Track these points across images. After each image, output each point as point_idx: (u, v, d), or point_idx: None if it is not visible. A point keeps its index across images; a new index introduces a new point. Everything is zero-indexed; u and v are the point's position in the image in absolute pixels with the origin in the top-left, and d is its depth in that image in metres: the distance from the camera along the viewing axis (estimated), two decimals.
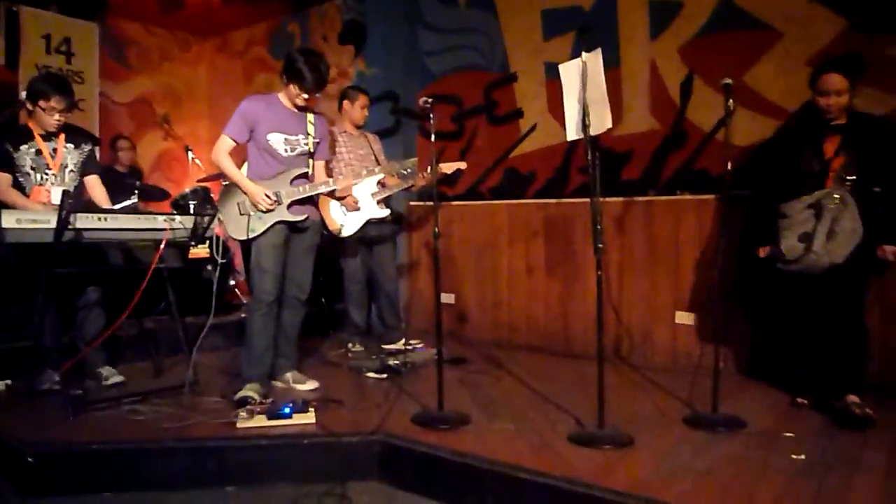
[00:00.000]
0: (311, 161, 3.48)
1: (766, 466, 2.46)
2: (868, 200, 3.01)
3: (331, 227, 4.29)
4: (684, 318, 4.23)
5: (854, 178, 3.03)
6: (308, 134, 3.44)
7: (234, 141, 3.36)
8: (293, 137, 3.41)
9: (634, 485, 2.27)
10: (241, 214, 3.37)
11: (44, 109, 3.38)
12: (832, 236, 2.97)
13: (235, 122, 3.35)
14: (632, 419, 2.97)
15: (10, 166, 3.36)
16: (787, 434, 2.80)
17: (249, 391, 3.27)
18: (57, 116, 3.42)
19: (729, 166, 2.91)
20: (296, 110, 3.43)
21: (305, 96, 3.32)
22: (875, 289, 3.31)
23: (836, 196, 2.99)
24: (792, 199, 3.13)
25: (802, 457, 2.54)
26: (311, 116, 3.47)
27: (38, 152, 3.43)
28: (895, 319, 3.50)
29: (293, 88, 3.31)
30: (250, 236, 3.35)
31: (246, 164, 3.49)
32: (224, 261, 3.53)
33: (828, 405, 3.09)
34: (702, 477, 2.37)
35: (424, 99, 3.11)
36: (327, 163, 3.70)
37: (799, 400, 3.25)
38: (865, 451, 2.62)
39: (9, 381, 3.52)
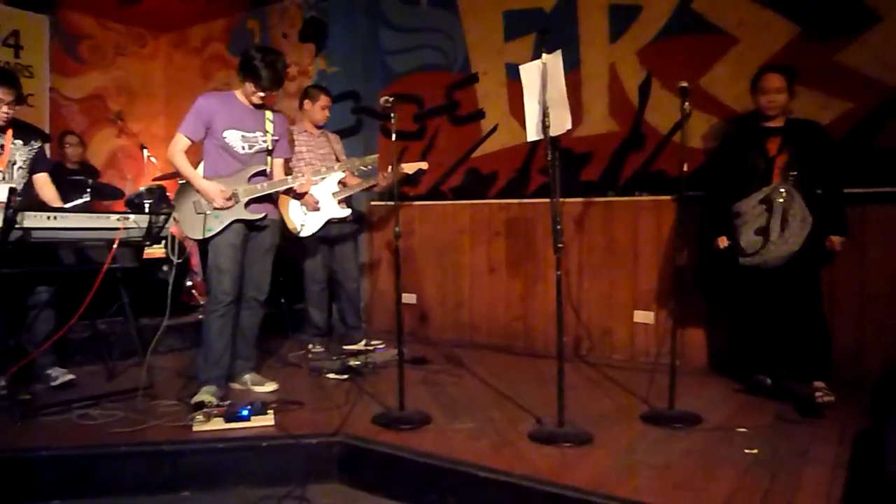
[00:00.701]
0: (269, 159, 3.43)
1: (720, 460, 2.51)
2: (811, 194, 3.27)
3: (290, 227, 4.24)
4: (642, 316, 4.31)
5: (796, 173, 3.27)
6: (266, 131, 3.40)
7: (190, 139, 3.30)
8: (251, 134, 3.36)
9: (593, 481, 2.30)
10: (196, 213, 3.30)
11: None
12: (785, 226, 3.19)
13: (190, 120, 3.29)
14: (591, 417, 3.01)
15: None
16: (741, 429, 2.86)
17: (205, 395, 3.21)
18: (5, 109, 3.30)
19: (685, 168, 2.98)
20: (253, 108, 3.38)
21: (262, 94, 3.29)
22: (824, 280, 3.49)
23: (782, 190, 3.23)
24: (743, 197, 3.35)
25: (755, 451, 2.60)
26: (269, 114, 3.43)
27: None
28: (841, 310, 3.63)
29: (249, 86, 3.27)
30: (206, 235, 3.29)
31: (202, 163, 3.41)
32: (180, 261, 3.45)
33: (789, 392, 3.26)
34: (659, 472, 2.41)
35: (385, 98, 3.09)
36: (286, 161, 3.65)
37: (759, 378, 3.44)
38: (815, 444, 2.69)
39: None
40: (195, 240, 3.34)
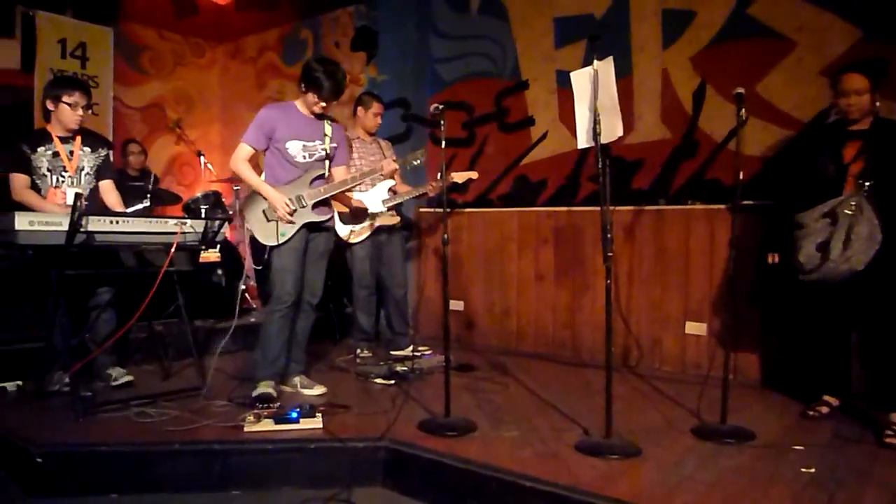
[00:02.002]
0: (327, 164, 3.51)
1: (773, 479, 2.43)
2: (888, 206, 2.93)
3: (340, 233, 4.30)
4: (694, 328, 4.21)
5: (871, 183, 2.95)
6: (326, 135, 3.48)
7: (253, 148, 3.41)
8: (311, 144, 3.45)
9: (639, 495, 2.26)
10: (268, 221, 3.40)
11: (69, 105, 3.42)
12: (848, 244, 2.90)
13: (254, 130, 3.40)
14: (639, 429, 2.95)
15: (28, 168, 3.39)
16: (797, 447, 2.76)
17: (266, 388, 3.35)
18: (80, 112, 3.46)
19: (741, 176, 2.89)
20: (312, 117, 3.47)
21: (323, 104, 3.37)
22: None
23: (852, 203, 2.94)
24: (809, 207, 3.08)
25: (812, 470, 2.51)
26: (327, 123, 3.51)
27: (56, 154, 3.46)
28: None
29: (311, 97, 3.36)
30: (281, 241, 3.38)
31: (263, 173, 3.52)
32: (253, 273, 3.54)
33: (866, 416, 3.09)
34: (707, 488, 2.34)
35: (435, 106, 3.12)
36: (346, 168, 3.72)
37: (812, 412, 3.22)
38: (876, 465, 2.58)
39: (19, 382, 3.55)
40: (270, 246, 3.42)
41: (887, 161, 2.97)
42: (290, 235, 3.39)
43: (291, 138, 3.41)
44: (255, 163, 3.52)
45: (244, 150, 3.41)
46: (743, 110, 2.87)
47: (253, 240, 3.44)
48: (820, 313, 3.23)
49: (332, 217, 3.57)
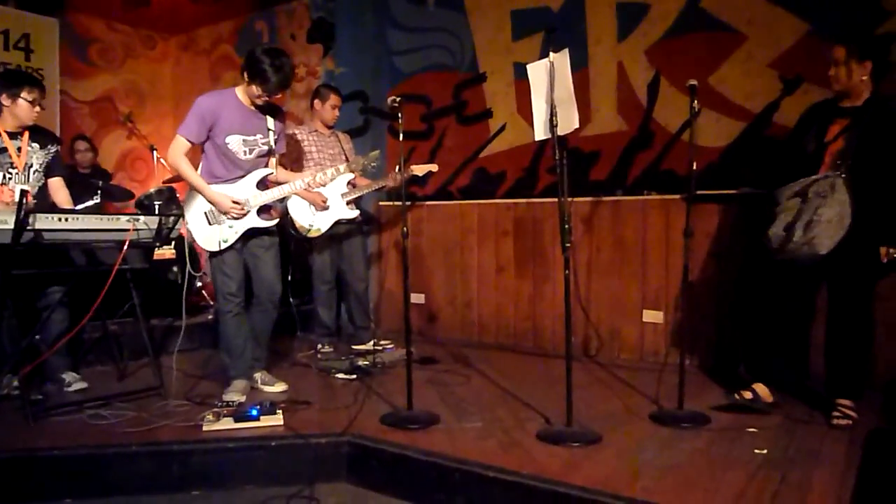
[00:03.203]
0: (272, 160, 3.41)
1: (729, 461, 2.50)
2: (864, 188, 2.82)
3: (299, 227, 4.26)
4: (652, 316, 4.29)
5: (849, 163, 2.84)
6: (269, 129, 3.33)
7: (191, 142, 3.23)
8: (251, 138, 3.30)
9: (601, 481, 2.29)
10: (210, 225, 3.30)
11: (29, 101, 3.32)
12: (810, 226, 2.82)
13: (192, 122, 3.20)
14: (599, 417, 3.01)
15: None
16: (751, 429, 2.85)
17: (237, 395, 3.29)
18: (37, 109, 3.35)
19: (695, 166, 2.95)
20: (254, 109, 3.30)
21: (267, 97, 3.22)
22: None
23: (824, 183, 2.83)
24: (786, 183, 3.00)
25: (765, 451, 2.59)
26: (269, 116, 3.35)
27: (3, 150, 3.34)
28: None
29: (255, 88, 3.16)
30: (222, 247, 3.29)
31: (200, 165, 3.37)
32: (200, 274, 3.46)
33: (815, 399, 3.13)
34: (666, 472, 2.40)
35: (393, 98, 3.10)
36: (281, 156, 3.58)
37: (739, 395, 3.12)
38: (825, 444, 2.68)
39: None
40: (210, 252, 3.34)
41: (872, 141, 2.85)
42: (231, 242, 3.29)
43: (231, 132, 3.23)
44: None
45: (182, 144, 3.20)
46: (696, 102, 2.93)
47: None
48: (781, 298, 3.12)
49: (276, 222, 3.43)
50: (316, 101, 4.44)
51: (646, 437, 2.78)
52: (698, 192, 3.02)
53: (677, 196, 4.15)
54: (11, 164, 3.36)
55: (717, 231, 4.00)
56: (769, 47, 3.94)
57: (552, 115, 2.83)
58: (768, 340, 3.20)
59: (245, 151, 3.30)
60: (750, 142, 4.02)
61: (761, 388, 3.14)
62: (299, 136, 4.32)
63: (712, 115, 4.10)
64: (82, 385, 3.53)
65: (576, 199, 4.44)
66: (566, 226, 2.79)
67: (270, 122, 3.36)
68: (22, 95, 3.31)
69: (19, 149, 3.40)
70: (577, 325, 4.38)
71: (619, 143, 4.53)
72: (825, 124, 3.02)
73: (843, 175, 2.83)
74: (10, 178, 3.35)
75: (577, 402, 2.84)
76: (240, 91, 3.28)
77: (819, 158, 2.97)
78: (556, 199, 2.94)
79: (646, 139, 4.44)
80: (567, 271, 2.82)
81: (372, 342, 4.55)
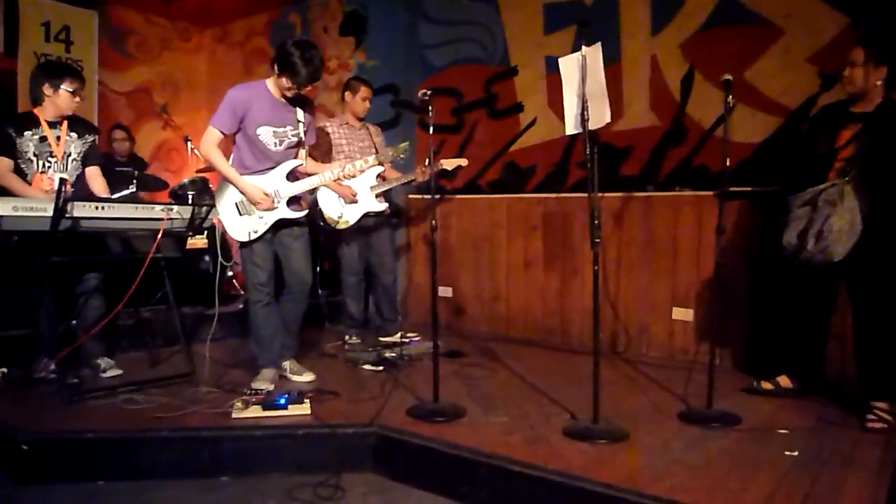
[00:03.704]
0: (302, 152, 3.43)
1: (758, 462, 2.46)
2: (877, 193, 2.83)
3: (328, 219, 4.29)
4: (681, 313, 4.24)
5: (855, 171, 2.85)
6: (299, 121, 3.36)
7: (223, 133, 3.27)
8: (280, 129, 3.32)
9: (627, 479, 2.28)
10: (240, 215, 3.35)
11: (71, 92, 3.40)
12: (821, 237, 2.84)
13: (224, 113, 3.24)
14: (627, 414, 2.98)
15: (12, 152, 3.34)
16: (782, 430, 2.80)
17: (263, 383, 3.34)
18: (77, 100, 3.43)
19: (728, 163, 2.90)
20: (284, 101, 3.33)
21: (297, 90, 3.25)
22: None
23: (832, 191, 2.86)
24: (798, 190, 3.00)
25: (796, 453, 2.54)
26: (299, 108, 3.38)
27: (43, 139, 3.41)
28: None
29: (285, 81, 3.19)
30: (252, 238, 3.34)
31: (232, 155, 3.42)
32: (229, 263, 3.50)
33: (849, 400, 3.12)
34: (694, 472, 2.37)
35: (423, 91, 3.10)
36: (311, 148, 3.62)
37: (756, 384, 3.32)
38: (859, 447, 2.62)
39: (5, 370, 3.51)
40: (241, 242, 3.39)
41: (882, 147, 2.84)
42: (261, 233, 3.34)
43: (262, 124, 3.26)
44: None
45: (214, 135, 3.24)
46: (731, 97, 2.87)
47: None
48: (801, 297, 3.19)
49: (306, 213, 3.46)
50: (347, 94, 4.46)
51: (673, 436, 2.75)
52: (731, 189, 2.96)
53: (710, 192, 4.09)
54: (51, 152, 3.43)
55: (750, 229, 3.93)
56: (808, 41, 3.85)
57: (584, 109, 2.80)
58: (788, 334, 3.28)
59: (275, 143, 3.33)
60: (786, 138, 3.94)
61: (784, 380, 3.22)
62: (330, 129, 4.35)
63: (748, 110, 4.02)
64: (117, 371, 3.61)
65: (606, 195, 4.40)
66: (596, 221, 2.77)
67: (300, 113, 3.38)
68: (63, 86, 3.38)
69: (58, 138, 3.48)
70: (606, 321, 4.34)
71: (652, 138, 4.47)
72: (837, 128, 3.03)
73: (853, 182, 2.84)
74: (49, 167, 3.43)
75: (605, 399, 2.81)
76: (270, 83, 3.32)
77: (830, 162, 2.99)
78: (585, 195, 2.93)
79: (679, 134, 4.37)
80: (596, 267, 2.80)
81: (399, 334, 4.57)
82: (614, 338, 4.46)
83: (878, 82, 2.93)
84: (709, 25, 4.23)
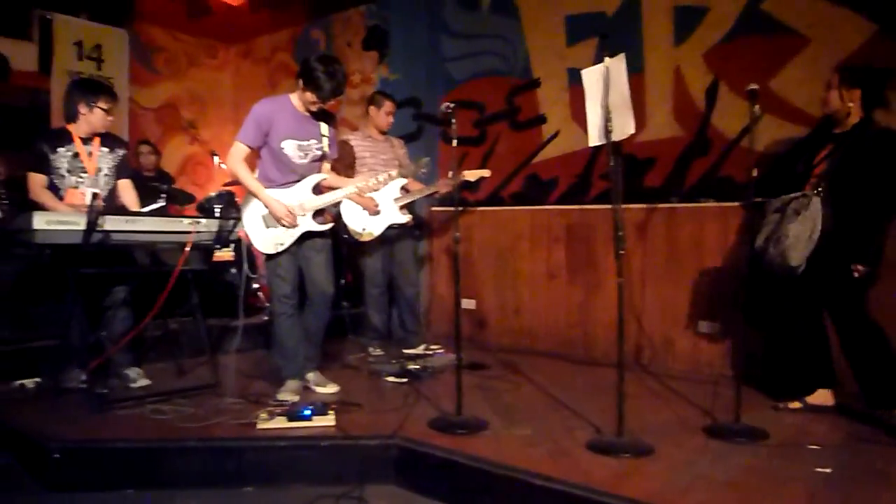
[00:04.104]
0: (326, 165, 3.50)
1: (788, 479, 2.41)
2: (841, 209, 2.99)
3: (351, 231, 4.32)
4: (707, 326, 4.19)
5: (822, 187, 3.03)
6: (323, 135, 3.42)
7: (249, 147, 3.33)
8: (305, 143, 3.38)
9: (651, 494, 2.25)
10: (267, 228, 3.39)
11: (105, 110, 3.48)
12: (780, 240, 3.02)
13: (249, 128, 3.31)
14: (651, 428, 2.94)
15: (46, 168, 3.42)
16: (813, 446, 2.74)
17: (290, 395, 3.37)
18: (111, 118, 3.52)
19: (754, 173, 2.88)
20: (308, 115, 3.39)
21: (321, 103, 3.31)
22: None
23: (800, 200, 3.02)
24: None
25: (828, 470, 2.49)
26: (323, 123, 3.44)
27: (76, 155, 3.49)
28: None
29: (309, 95, 3.26)
30: (277, 250, 3.38)
31: (257, 169, 3.48)
32: (255, 275, 3.54)
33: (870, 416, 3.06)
34: (721, 488, 2.33)
35: (446, 104, 3.12)
36: (334, 161, 3.67)
37: (782, 405, 3.28)
38: (893, 466, 2.56)
39: (37, 379, 3.58)
40: (266, 254, 3.43)
41: (849, 165, 3.03)
42: (287, 245, 3.38)
43: (286, 137, 3.33)
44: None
45: (240, 150, 3.31)
46: (757, 106, 2.86)
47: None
48: (787, 306, 3.28)
49: (330, 226, 3.51)
50: (371, 108, 4.50)
51: (699, 451, 2.71)
52: (757, 200, 2.94)
53: (735, 203, 4.04)
54: (83, 168, 3.51)
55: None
56: (834, 50, 3.80)
57: (607, 120, 2.80)
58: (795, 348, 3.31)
59: (300, 156, 3.38)
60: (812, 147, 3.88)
61: (822, 394, 3.21)
62: (353, 142, 4.39)
63: (773, 120, 3.98)
64: (145, 382, 3.65)
65: (630, 206, 4.37)
66: (619, 233, 2.76)
67: (324, 127, 3.44)
68: (98, 105, 3.47)
69: (90, 154, 3.56)
70: (630, 333, 4.31)
71: (675, 149, 4.45)
72: (817, 147, 3.22)
73: (821, 195, 3.00)
74: (81, 182, 3.51)
75: (629, 413, 2.78)
76: (294, 97, 3.38)
77: (805, 179, 3.17)
78: (609, 206, 2.91)
79: (703, 145, 4.34)
80: (620, 279, 2.78)
81: (422, 346, 4.58)
82: (638, 350, 4.41)
83: (851, 104, 3.10)
84: (732, 35, 4.20)
